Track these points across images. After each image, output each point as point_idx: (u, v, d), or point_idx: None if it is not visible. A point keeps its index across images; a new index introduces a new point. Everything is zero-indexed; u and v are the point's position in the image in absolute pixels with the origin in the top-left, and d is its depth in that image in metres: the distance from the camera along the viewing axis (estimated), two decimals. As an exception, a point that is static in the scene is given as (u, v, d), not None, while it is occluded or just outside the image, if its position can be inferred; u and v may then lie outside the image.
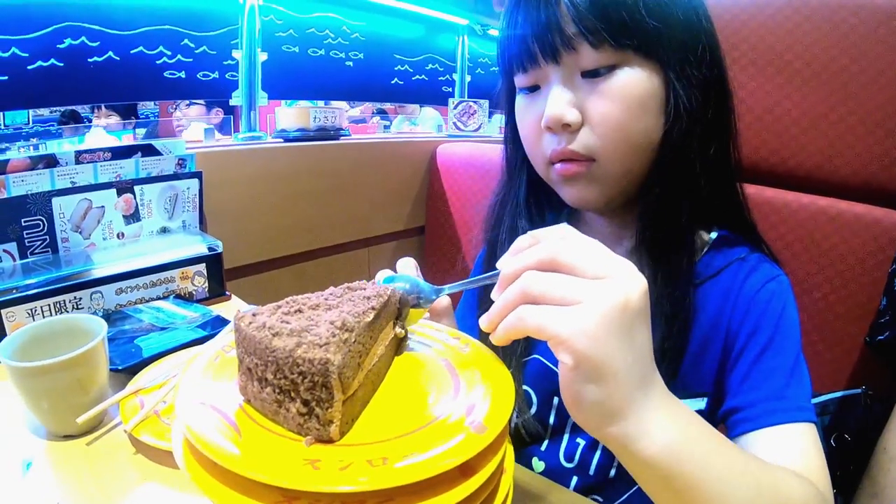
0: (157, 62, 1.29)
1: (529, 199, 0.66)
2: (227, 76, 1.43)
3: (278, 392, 0.33)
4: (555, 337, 0.32)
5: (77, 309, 0.79)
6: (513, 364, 0.63)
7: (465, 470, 0.32)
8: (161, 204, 0.94)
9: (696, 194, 0.56)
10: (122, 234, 0.91)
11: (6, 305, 0.71)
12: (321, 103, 1.79)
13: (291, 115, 1.36)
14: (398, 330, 0.44)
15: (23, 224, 0.78)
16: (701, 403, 0.57)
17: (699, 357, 0.57)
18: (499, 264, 0.38)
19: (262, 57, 1.43)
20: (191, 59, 1.35)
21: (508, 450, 0.38)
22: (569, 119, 0.52)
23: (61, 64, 1.13)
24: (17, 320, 0.72)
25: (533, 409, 0.64)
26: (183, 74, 1.34)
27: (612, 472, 0.60)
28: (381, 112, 4.04)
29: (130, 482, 0.50)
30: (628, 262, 0.35)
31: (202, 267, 0.93)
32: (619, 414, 0.34)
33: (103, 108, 2.73)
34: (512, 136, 0.65)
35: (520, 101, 0.59)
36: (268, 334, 0.34)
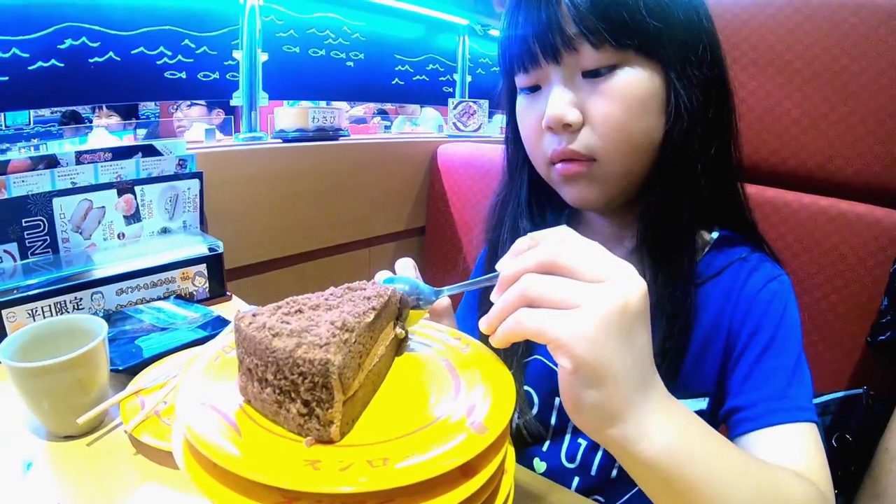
0: (158, 62, 1.29)
1: (531, 199, 0.66)
2: (227, 76, 1.43)
3: (278, 393, 0.33)
4: (554, 341, 0.32)
5: (78, 309, 0.79)
6: (514, 364, 0.63)
7: (466, 470, 0.31)
8: (162, 204, 0.94)
9: (696, 194, 0.56)
10: (123, 235, 0.91)
11: (7, 306, 0.71)
12: (323, 103, 1.79)
13: (290, 115, 1.36)
14: (398, 331, 0.44)
15: (23, 224, 0.78)
16: (702, 403, 0.57)
17: (700, 357, 0.57)
18: (498, 266, 0.38)
19: (263, 57, 1.44)
20: (191, 60, 1.35)
21: (509, 450, 0.38)
22: (570, 119, 0.52)
23: (62, 64, 1.13)
24: (18, 321, 0.72)
25: (534, 410, 0.64)
26: (183, 75, 1.34)
27: (614, 472, 0.60)
28: (382, 112, 4.04)
29: (131, 483, 0.50)
30: (628, 264, 0.35)
31: (203, 267, 0.93)
32: (619, 417, 0.34)
33: (104, 108, 2.73)
34: (513, 137, 0.65)
35: (521, 101, 0.59)
36: (268, 335, 0.34)
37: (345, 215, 1.45)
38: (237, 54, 1.41)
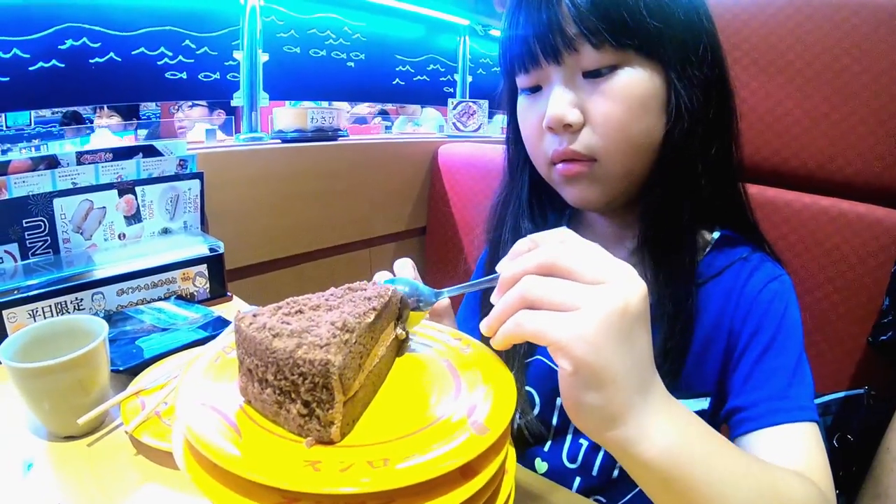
0: (159, 63, 1.30)
1: (532, 199, 0.66)
2: (228, 77, 1.43)
3: (279, 393, 0.33)
4: (554, 343, 0.32)
5: (78, 310, 0.79)
6: (515, 365, 0.63)
7: (467, 471, 0.31)
8: (162, 205, 0.94)
9: (697, 194, 0.56)
10: (124, 235, 0.91)
11: (7, 306, 0.71)
12: (326, 104, 1.79)
13: (288, 115, 1.35)
14: (399, 331, 0.44)
15: (24, 225, 0.79)
16: (704, 403, 0.57)
17: (702, 357, 0.57)
18: (498, 268, 0.38)
19: (264, 58, 1.44)
20: (192, 60, 1.35)
21: (510, 451, 0.37)
22: (570, 119, 0.52)
23: (63, 65, 1.13)
24: (19, 321, 0.72)
25: (536, 410, 0.64)
26: (184, 75, 1.35)
27: (615, 472, 0.60)
28: (383, 113, 4.04)
29: (131, 483, 0.50)
30: (628, 265, 0.35)
31: (203, 268, 0.93)
32: (619, 418, 0.34)
33: (105, 108, 2.73)
34: (514, 137, 0.65)
35: (521, 101, 0.59)
36: (268, 335, 0.34)
37: (345, 216, 1.45)
38: (238, 55, 1.41)
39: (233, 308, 0.93)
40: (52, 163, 0.81)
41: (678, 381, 0.55)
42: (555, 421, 0.63)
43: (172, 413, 0.54)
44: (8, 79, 1.07)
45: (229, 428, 0.33)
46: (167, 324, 0.78)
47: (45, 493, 0.48)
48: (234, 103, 1.45)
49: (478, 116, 1.80)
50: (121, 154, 0.89)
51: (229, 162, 1.18)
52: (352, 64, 1.74)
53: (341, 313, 0.37)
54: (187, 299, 0.91)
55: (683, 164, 0.54)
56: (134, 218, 0.91)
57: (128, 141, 2.26)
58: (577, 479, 0.62)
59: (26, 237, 0.79)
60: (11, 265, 0.78)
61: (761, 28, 0.88)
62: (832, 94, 0.84)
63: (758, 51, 0.89)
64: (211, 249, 0.93)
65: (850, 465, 0.74)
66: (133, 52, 1.24)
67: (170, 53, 1.30)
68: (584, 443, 0.62)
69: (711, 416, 0.57)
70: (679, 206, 0.55)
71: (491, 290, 0.38)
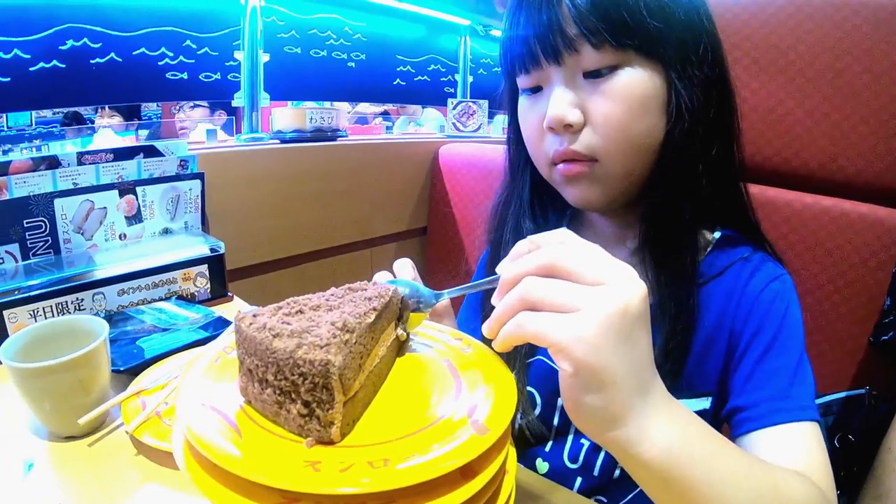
0: (160, 63, 1.30)
1: (533, 199, 0.66)
2: (229, 77, 1.43)
3: (279, 393, 0.33)
4: (554, 344, 0.32)
5: (79, 310, 0.79)
6: (517, 365, 0.63)
7: (467, 472, 0.31)
8: (163, 205, 0.94)
9: (698, 194, 0.56)
10: (125, 236, 0.91)
11: (8, 306, 0.71)
12: (328, 104, 1.79)
13: (287, 115, 1.35)
14: (399, 332, 0.44)
15: (25, 225, 0.79)
16: (705, 403, 0.57)
17: (703, 357, 0.57)
18: (498, 269, 0.38)
19: (264, 58, 1.44)
20: (193, 61, 1.35)
21: (511, 451, 0.37)
22: (571, 119, 0.52)
23: (63, 65, 1.13)
24: (19, 321, 0.72)
25: (537, 411, 0.64)
26: (185, 76, 1.35)
27: (617, 472, 0.60)
28: (384, 113, 4.04)
29: (132, 483, 0.50)
30: (628, 267, 0.35)
31: (204, 268, 0.93)
32: (620, 419, 0.34)
33: (106, 109, 2.73)
34: (515, 137, 0.65)
35: (522, 102, 0.59)
36: (268, 335, 0.34)
37: (346, 216, 1.45)
38: (239, 55, 1.41)
39: (233, 308, 0.93)
40: (52, 163, 0.81)
41: (680, 380, 0.55)
42: (556, 421, 0.63)
43: (173, 413, 0.54)
44: (9, 79, 1.07)
45: (229, 428, 0.33)
46: (168, 324, 0.78)
47: (46, 493, 0.48)
48: (234, 104, 1.45)
49: (477, 116, 1.80)
50: (122, 154, 0.89)
51: (230, 162, 1.18)
52: (352, 64, 1.74)
53: (342, 313, 0.37)
54: (188, 299, 0.91)
55: (684, 164, 0.54)
56: (135, 218, 0.91)
57: (129, 141, 2.27)
58: (579, 480, 0.62)
59: (27, 237, 0.79)
60: (12, 265, 0.78)
61: (762, 27, 0.88)
62: (833, 93, 0.84)
63: (758, 50, 0.89)
64: (212, 250, 0.93)
65: (851, 466, 0.74)
66: (134, 53, 1.24)
67: (170, 54, 1.31)
68: (586, 443, 0.62)
69: (713, 416, 0.57)
70: (680, 206, 0.55)
71: (492, 291, 0.38)
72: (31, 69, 1.09)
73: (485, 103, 1.80)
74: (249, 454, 0.30)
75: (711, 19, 0.56)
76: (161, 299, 0.88)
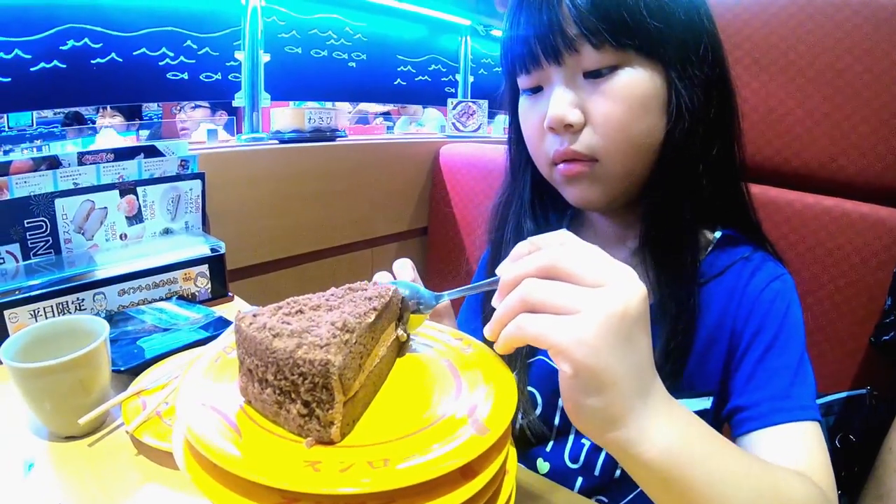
0: (160, 63, 1.30)
1: (534, 199, 0.66)
2: (229, 77, 1.43)
3: (279, 393, 0.33)
4: (554, 346, 0.32)
5: (80, 310, 0.79)
6: (517, 365, 0.63)
7: (467, 472, 0.31)
8: (164, 205, 0.94)
9: (698, 194, 0.56)
10: (125, 236, 0.91)
11: (9, 306, 0.71)
12: (329, 104, 1.79)
13: (286, 116, 1.35)
14: (400, 332, 0.44)
15: (26, 225, 0.79)
16: (706, 403, 0.57)
17: (704, 357, 0.57)
18: (498, 271, 0.38)
19: (265, 58, 1.44)
20: (193, 61, 1.35)
21: (511, 451, 0.37)
22: (571, 119, 0.52)
23: (64, 66, 1.14)
24: (20, 321, 0.72)
25: (538, 411, 0.64)
26: (186, 76, 1.35)
27: (617, 472, 0.60)
28: (385, 113, 4.04)
29: (132, 483, 0.50)
30: (628, 268, 0.35)
31: (205, 268, 0.93)
32: (619, 421, 0.34)
33: (108, 109, 2.73)
34: (516, 137, 0.65)
35: (523, 102, 0.59)
36: (268, 335, 0.34)
37: (347, 216, 1.45)
38: (239, 55, 1.41)
39: (234, 308, 0.93)
40: (53, 163, 0.81)
41: (681, 380, 0.55)
42: (557, 421, 0.63)
43: (173, 413, 0.54)
44: (10, 79, 1.07)
45: (229, 428, 0.33)
46: (168, 324, 0.78)
47: (46, 493, 0.48)
48: (235, 104, 1.45)
49: (477, 116, 1.80)
50: (122, 154, 0.89)
51: (231, 162, 1.18)
52: (353, 64, 1.74)
53: (342, 313, 0.37)
54: (188, 299, 0.91)
55: (684, 163, 0.54)
56: (135, 218, 0.91)
57: (129, 141, 2.27)
58: (580, 480, 0.62)
59: (28, 237, 0.79)
60: (13, 265, 0.78)
61: (762, 27, 0.88)
62: (834, 93, 0.84)
63: (759, 50, 0.89)
64: (212, 250, 0.93)
65: (852, 466, 0.74)
66: (134, 53, 1.24)
67: (171, 54, 1.31)
68: (587, 443, 0.62)
69: (714, 416, 0.57)
70: (680, 205, 0.55)
71: (492, 292, 0.38)
72: (31, 69, 1.09)
73: (485, 103, 1.80)
74: (249, 454, 0.30)
75: (712, 19, 0.56)
76: (161, 299, 0.88)
